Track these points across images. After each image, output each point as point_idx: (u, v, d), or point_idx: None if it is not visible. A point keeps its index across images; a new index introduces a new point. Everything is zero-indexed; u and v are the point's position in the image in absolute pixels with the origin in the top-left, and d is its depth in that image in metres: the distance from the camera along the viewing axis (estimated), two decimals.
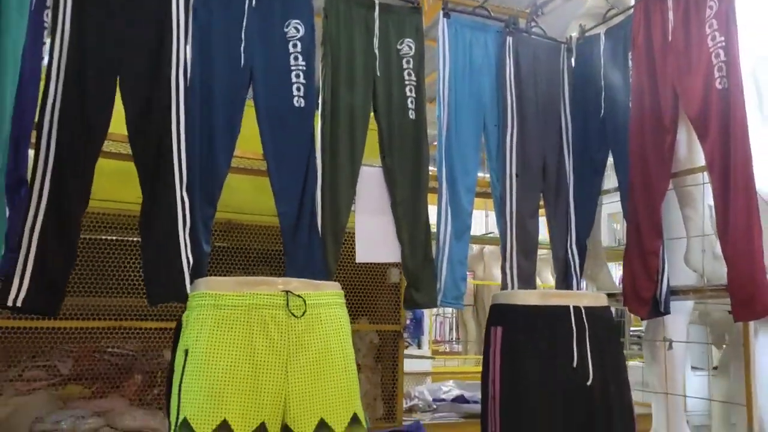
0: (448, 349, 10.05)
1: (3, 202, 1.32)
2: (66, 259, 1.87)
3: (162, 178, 1.99)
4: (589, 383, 1.78)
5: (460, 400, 4.07)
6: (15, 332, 2.79)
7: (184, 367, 1.43)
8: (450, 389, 4.34)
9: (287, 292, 1.46)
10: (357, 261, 2.34)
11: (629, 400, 1.88)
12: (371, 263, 2.56)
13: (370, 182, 2.35)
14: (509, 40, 2.62)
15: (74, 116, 1.90)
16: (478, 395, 4.05)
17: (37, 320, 2.83)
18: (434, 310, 9.25)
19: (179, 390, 1.42)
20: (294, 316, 1.45)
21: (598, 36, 2.65)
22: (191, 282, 2.00)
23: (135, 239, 3.01)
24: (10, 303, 1.78)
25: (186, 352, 1.44)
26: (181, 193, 2.01)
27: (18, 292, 1.79)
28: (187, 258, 2.00)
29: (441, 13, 2.57)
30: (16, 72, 1.50)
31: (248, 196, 2.77)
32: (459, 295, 2.44)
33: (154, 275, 1.97)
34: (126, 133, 2.01)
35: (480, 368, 1.88)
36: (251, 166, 2.38)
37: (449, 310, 10.12)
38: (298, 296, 1.47)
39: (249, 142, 2.22)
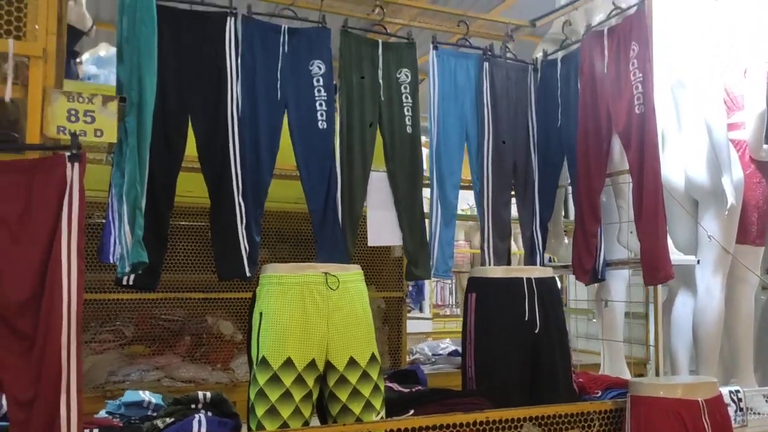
0: (448, 312, 10.83)
1: (141, 214, 2.00)
2: (161, 248, 2.57)
3: (224, 188, 2.68)
4: (536, 331, 2.51)
5: (454, 354, 4.80)
6: (87, 303, 3.50)
7: (260, 324, 2.16)
8: (447, 346, 5.08)
9: (326, 273, 2.19)
10: (369, 244, 3.06)
11: (567, 342, 2.62)
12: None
13: (378, 184, 3.05)
14: (486, 65, 3.28)
15: (160, 144, 2.58)
16: None
17: (103, 293, 3.56)
18: None
19: (258, 338, 2.15)
20: (331, 289, 2.18)
21: (556, 60, 3.31)
22: (249, 264, 2.72)
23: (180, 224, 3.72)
24: (124, 282, 2.50)
25: (261, 313, 2.17)
26: (238, 199, 2.69)
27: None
28: (245, 246, 2.70)
29: (431, 45, 3.24)
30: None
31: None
32: (447, 269, 3.14)
33: (222, 259, 2.67)
34: (197, 154, 2.70)
35: None
36: (288, 173, 3.07)
37: None
38: (334, 276, 2.19)
39: (285, 156, 2.91)
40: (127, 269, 1.99)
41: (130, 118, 1.98)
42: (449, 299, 11.81)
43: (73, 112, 1.77)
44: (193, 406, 2.34)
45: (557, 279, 2.65)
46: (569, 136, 3.16)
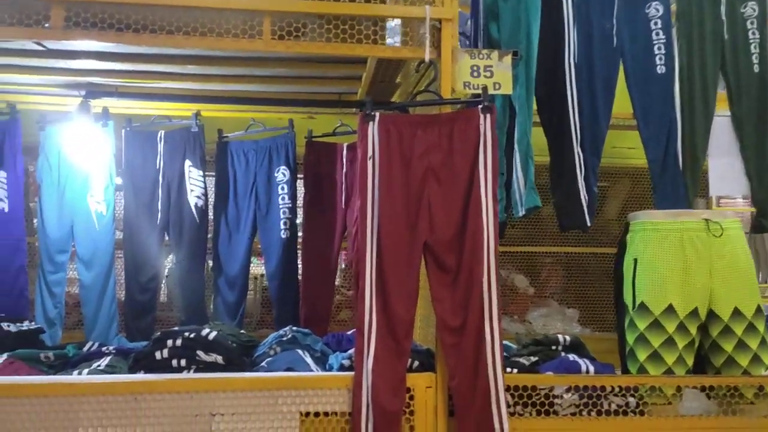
0: None
1: (533, 161, 2.11)
2: None
3: (564, 138, 2.69)
4: None
5: None
6: None
7: (634, 270, 2.15)
8: None
9: (707, 220, 2.10)
10: (710, 194, 2.87)
11: None
12: None
13: (721, 129, 2.84)
14: None
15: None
16: None
17: None
18: None
19: (633, 284, 2.14)
20: (714, 236, 2.08)
21: None
22: (588, 214, 2.71)
23: None
24: None
25: (635, 260, 2.16)
26: (577, 149, 2.69)
27: None
28: (584, 196, 2.69)
29: None
30: None
31: None
32: None
33: (563, 210, 2.70)
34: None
35: None
36: (624, 123, 3.00)
37: None
38: (716, 222, 2.09)
39: (620, 104, 2.84)
40: (521, 213, 2.11)
41: (518, 70, 2.07)
42: None
43: (475, 68, 1.91)
44: (553, 347, 2.43)
45: None
46: None
